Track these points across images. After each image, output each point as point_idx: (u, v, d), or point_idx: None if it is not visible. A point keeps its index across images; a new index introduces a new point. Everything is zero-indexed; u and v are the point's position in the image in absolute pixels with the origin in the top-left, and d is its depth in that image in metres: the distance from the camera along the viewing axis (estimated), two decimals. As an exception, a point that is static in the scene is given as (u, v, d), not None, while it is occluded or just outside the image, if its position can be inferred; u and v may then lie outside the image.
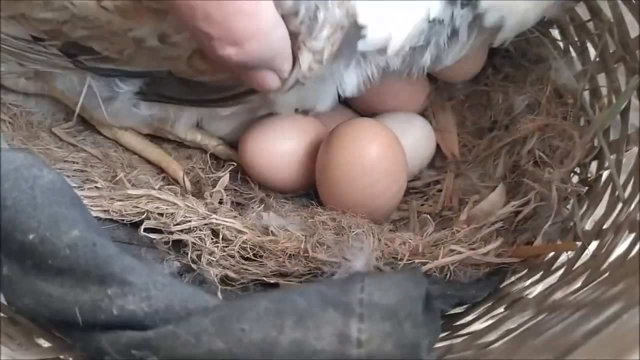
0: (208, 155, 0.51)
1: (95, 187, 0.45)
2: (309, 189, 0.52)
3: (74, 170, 0.47)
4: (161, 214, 0.42)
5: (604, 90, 0.50)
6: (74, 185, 0.46)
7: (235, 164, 0.50)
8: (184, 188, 0.47)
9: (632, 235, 0.36)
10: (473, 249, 0.40)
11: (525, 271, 0.42)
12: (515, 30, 0.44)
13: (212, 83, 0.41)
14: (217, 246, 0.41)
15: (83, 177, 0.47)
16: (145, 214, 0.42)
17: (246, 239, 0.41)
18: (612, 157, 0.45)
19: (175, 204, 0.43)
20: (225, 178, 0.47)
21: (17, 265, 0.29)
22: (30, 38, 0.41)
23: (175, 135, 0.51)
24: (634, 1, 0.49)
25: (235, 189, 0.49)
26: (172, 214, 0.42)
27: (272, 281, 0.41)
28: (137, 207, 0.42)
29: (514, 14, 0.42)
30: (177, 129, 0.50)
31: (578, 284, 0.35)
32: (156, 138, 0.52)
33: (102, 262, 0.26)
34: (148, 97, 0.44)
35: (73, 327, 0.27)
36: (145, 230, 0.42)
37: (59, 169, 0.46)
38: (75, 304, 0.26)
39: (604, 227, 0.41)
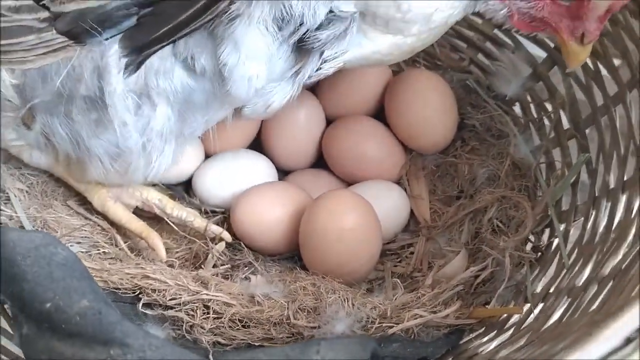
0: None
1: (103, 252, 0.51)
2: (294, 252, 0.57)
3: (82, 237, 0.53)
4: (154, 290, 0.47)
5: (559, 164, 0.57)
6: (82, 250, 0.52)
7: (226, 242, 0.55)
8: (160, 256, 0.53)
9: (569, 301, 0.41)
10: (435, 312, 0.46)
11: (482, 330, 0.47)
12: None
13: None
14: (208, 318, 0.46)
15: (90, 242, 0.53)
16: (140, 289, 0.47)
17: (234, 312, 0.46)
18: (561, 227, 0.51)
19: (166, 282, 0.49)
20: (220, 246, 0.53)
21: (35, 327, 0.34)
22: None
23: (164, 211, 0.56)
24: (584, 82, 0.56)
25: (225, 254, 0.54)
26: (164, 290, 0.47)
27: (257, 344, 0.46)
28: (133, 282, 0.47)
29: None
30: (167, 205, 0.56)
31: (521, 343, 0.40)
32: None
33: (106, 328, 0.32)
34: (133, 54, 0.45)
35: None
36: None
37: (70, 236, 0.52)
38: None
39: (550, 291, 0.46)
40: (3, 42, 0.44)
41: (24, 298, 0.34)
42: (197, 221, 0.56)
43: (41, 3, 0.42)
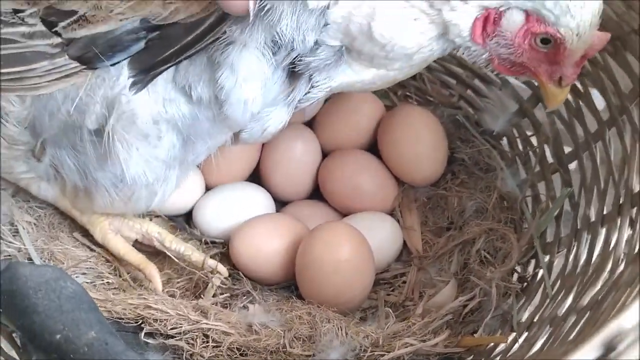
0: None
1: (107, 282, 0.53)
2: (291, 282, 0.59)
3: (87, 268, 0.55)
4: (155, 320, 0.49)
5: (544, 197, 0.59)
6: (87, 281, 0.54)
7: (222, 276, 0.57)
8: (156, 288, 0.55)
9: (550, 330, 0.44)
10: (424, 341, 0.48)
11: (470, 358, 0.49)
12: None
13: (186, 20, 0.44)
14: (207, 346, 0.48)
15: (95, 273, 0.55)
16: (142, 319, 0.49)
17: (233, 340, 0.48)
18: (545, 258, 0.53)
19: (167, 312, 0.51)
20: (217, 279, 0.55)
21: (44, 356, 0.36)
22: (12, 13, 0.46)
23: (163, 244, 0.58)
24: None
25: (224, 283, 0.56)
26: (165, 319, 0.49)
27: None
28: (135, 312, 0.49)
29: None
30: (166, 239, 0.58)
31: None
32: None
33: (112, 358, 0.34)
34: (142, 74, 0.47)
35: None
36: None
37: (76, 267, 0.54)
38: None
39: (534, 320, 0.48)
40: (18, 68, 0.46)
41: (35, 329, 0.36)
42: (195, 255, 0.59)
43: (53, 30, 0.45)
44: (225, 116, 0.49)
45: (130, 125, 0.48)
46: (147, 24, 0.44)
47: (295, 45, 0.46)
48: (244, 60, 0.46)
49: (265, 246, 0.59)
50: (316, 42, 0.48)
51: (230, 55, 0.46)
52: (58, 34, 0.45)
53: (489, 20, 0.45)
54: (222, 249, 0.62)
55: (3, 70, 0.46)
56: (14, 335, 0.48)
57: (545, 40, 0.45)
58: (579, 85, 0.58)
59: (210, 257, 0.62)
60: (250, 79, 0.47)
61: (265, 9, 0.42)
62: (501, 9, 0.45)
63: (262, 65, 0.47)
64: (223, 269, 0.58)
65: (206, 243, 0.62)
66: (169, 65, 0.46)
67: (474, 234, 0.56)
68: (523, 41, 0.46)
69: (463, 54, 0.48)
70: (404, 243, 0.63)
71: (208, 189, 0.66)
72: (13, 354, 0.46)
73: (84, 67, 0.46)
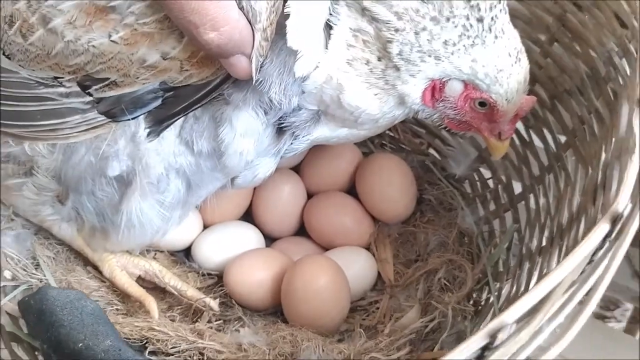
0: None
1: (116, 308, 0.61)
2: (277, 307, 0.67)
3: (99, 296, 0.63)
4: (158, 340, 0.57)
5: (498, 232, 0.68)
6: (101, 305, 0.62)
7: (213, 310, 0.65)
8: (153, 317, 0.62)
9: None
10: (389, 356, 0.55)
11: (429, 370, 0.57)
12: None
13: (197, 82, 0.50)
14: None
15: (106, 300, 0.64)
16: (147, 339, 0.57)
17: (225, 358, 0.56)
18: (497, 285, 0.61)
19: (168, 333, 0.59)
20: (214, 305, 0.64)
21: (66, 364, 0.44)
22: (53, 78, 0.52)
23: (162, 280, 0.66)
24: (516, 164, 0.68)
25: (218, 312, 0.64)
26: (166, 340, 0.57)
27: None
28: (141, 333, 0.57)
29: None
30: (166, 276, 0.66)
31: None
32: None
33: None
34: (155, 126, 0.54)
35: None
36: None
37: (90, 295, 0.62)
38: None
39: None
40: (54, 121, 0.53)
41: (61, 340, 0.44)
42: (190, 291, 0.66)
43: (87, 91, 0.52)
44: (223, 165, 0.56)
45: (145, 173, 0.56)
46: (165, 86, 0.51)
47: (282, 107, 0.54)
48: (242, 118, 0.54)
49: (255, 277, 0.67)
50: (298, 106, 0.55)
51: (230, 115, 0.53)
52: (90, 94, 0.52)
53: (436, 89, 0.53)
54: (217, 279, 0.71)
55: (41, 123, 0.53)
56: (36, 353, 0.56)
57: (482, 104, 0.53)
58: (524, 135, 0.68)
59: (206, 287, 0.71)
60: (246, 134, 0.55)
61: (259, 81, 0.50)
62: (444, 80, 0.52)
63: (256, 123, 0.54)
64: (214, 305, 0.65)
65: (203, 275, 0.71)
66: (179, 117, 0.53)
67: (436, 264, 0.64)
68: (464, 104, 0.53)
69: (419, 115, 0.56)
70: (379, 274, 0.72)
71: (205, 227, 0.74)
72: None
73: (109, 120, 0.52)
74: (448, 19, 0.48)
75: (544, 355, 0.32)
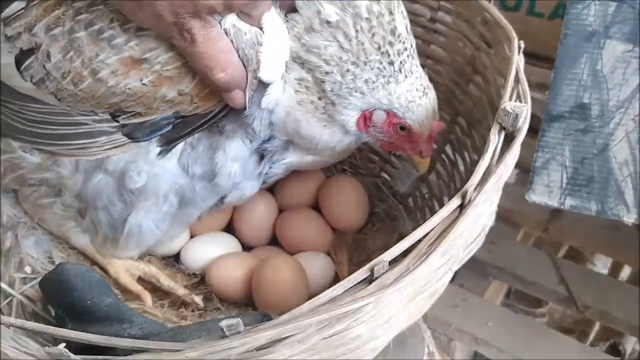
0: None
1: (118, 297, 0.75)
2: (250, 300, 0.81)
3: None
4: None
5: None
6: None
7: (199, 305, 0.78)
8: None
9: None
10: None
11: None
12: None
13: (202, 112, 0.63)
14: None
15: (108, 291, 0.78)
16: None
17: None
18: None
19: (157, 315, 0.73)
20: (199, 300, 0.78)
21: (77, 322, 0.58)
22: (90, 111, 0.64)
23: (158, 281, 0.79)
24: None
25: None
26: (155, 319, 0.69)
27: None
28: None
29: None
30: (161, 277, 0.79)
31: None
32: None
33: (122, 313, 0.56)
34: (166, 145, 0.66)
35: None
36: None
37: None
38: (108, 333, 0.55)
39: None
40: (84, 140, 0.65)
41: (74, 301, 0.58)
42: (180, 290, 0.78)
43: (115, 119, 0.64)
44: (215, 184, 0.69)
45: (153, 191, 0.68)
46: (177, 114, 0.63)
47: (262, 136, 0.67)
48: (233, 146, 0.66)
49: (232, 274, 0.79)
50: (272, 135, 0.69)
51: (224, 143, 0.66)
52: (117, 121, 0.64)
53: (366, 117, 0.67)
54: (201, 278, 0.83)
55: (74, 142, 0.65)
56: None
57: (402, 128, 0.66)
58: (451, 156, 0.83)
59: (192, 285, 0.85)
60: (235, 159, 0.67)
61: (246, 115, 0.64)
62: (370, 109, 0.65)
63: (244, 149, 0.67)
64: (199, 300, 0.78)
65: (189, 274, 0.84)
66: (185, 138, 0.65)
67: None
68: (389, 129, 0.66)
69: (362, 140, 0.71)
70: (336, 274, 0.85)
71: (192, 236, 0.88)
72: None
73: (130, 140, 0.64)
74: (365, 63, 0.63)
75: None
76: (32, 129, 0.67)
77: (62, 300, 0.60)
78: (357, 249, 0.86)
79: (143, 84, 0.61)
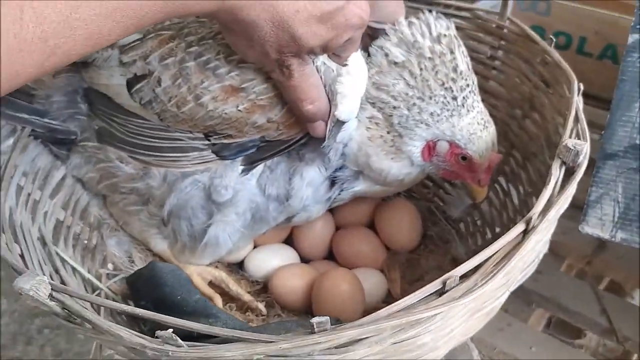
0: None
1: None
2: (309, 308, 0.86)
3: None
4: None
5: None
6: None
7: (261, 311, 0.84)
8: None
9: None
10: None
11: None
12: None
13: (284, 138, 0.69)
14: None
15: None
16: None
17: None
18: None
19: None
20: (262, 307, 0.84)
21: (165, 315, 0.65)
22: (187, 130, 0.70)
23: (227, 286, 0.85)
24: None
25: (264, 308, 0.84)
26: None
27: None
28: None
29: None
30: (230, 283, 0.85)
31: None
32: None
33: (208, 309, 0.62)
34: (249, 165, 0.71)
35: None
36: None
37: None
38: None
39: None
40: (177, 154, 0.71)
41: (165, 296, 0.65)
42: (246, 296, 0.83)
43: (208, 138, 0.70)
44: (287, 205, 0.74)
45: (235, 206, 0.73)
46: (262, 139, 0.69)
47: (335, 165, 0.73)
48: (310, 172, 0.72)
49: (293, 284, 0.85)
50: (344, 165, 0.75)
51: (302, 169, 0.72)
52: (209, 140, 0.70)
53: (430, 147, 0.73)
54: (263, 286, 0.89)
55: (167, 155, 0.71)
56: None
57: (463, 158, 0.71)
58: (505, 187, 0.88)
59: (255, 291, 0.91)
60: (310, 184, 0.73)
61: (324, 145, 0.70)
62: (435, 140, 0.71)
63: (319, 176, 0.73)
64: (262, 307, 0.84)
65: (252, 282, 0.90)
66: (265, 160, 0.71)
67: (431, 280, 0.83)
68: (451, 158, 0.72)
69: (425, 171, 0.77)
70: (389, 291, 0.91)
71: (255, 246, 0.94)
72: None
73: (218, 158, 0.70)
74: (430, 97, 0.70)
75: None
76: (131, 139, 0.74)
77: (153, 295, 0.67)
78: (410, 268, 0.91)
79: (238, 110, 0.66)
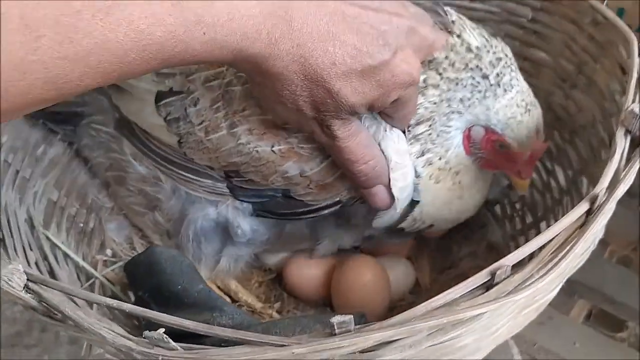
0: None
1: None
2: (327, 300, 0.78)
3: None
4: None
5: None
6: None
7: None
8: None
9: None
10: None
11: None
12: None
13: (310, 201, 0.61)
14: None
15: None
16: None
17: None
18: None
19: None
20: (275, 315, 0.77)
21: (163, 306, 0.57)
22: (207, 167, 0.63)
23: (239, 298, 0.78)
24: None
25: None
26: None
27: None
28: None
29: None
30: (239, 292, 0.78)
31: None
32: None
33: (212, 300, 0.54)
34: (260, 211, 0.64)
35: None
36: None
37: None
38: (197, 321, 0.54)
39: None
40: (191, 175, 0.64)
41: (162, 284, 0.57)
42: (258, 305, 0.77)
43: (229, 177, 0.62)
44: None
45: (252, 240, 0.67)
46: (286, 192, 0.61)
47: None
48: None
49: (309, 272, 0.79)
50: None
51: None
52: (230, 181, 0.62)
53: (466, 136, 0.62)
54: (277, 275, 0.82)
55: (181, 172, 0.65)
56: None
57: (502, 145, 0.61)
58: (548, 165, 0.78)
59: (267, 280, 0.83)
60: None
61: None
62: (469, 126, 0.61)
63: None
64: (275, 314, 0.78)
65: (265, 270, 0.83)
66: (277, 218, 0.64)
67: (465, 269, 0.75)
68: (487, 146, 0.62)
69: None
70: (417, 281, 0.82)
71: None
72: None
73: (230, 194, 0.63)
74: (457, 84, 0.59)
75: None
76: (148, 142, 0.67)
77: (150, 284, 0.59)
78: (440, 255, 0.83)
79: (272, 150, 0.58)
